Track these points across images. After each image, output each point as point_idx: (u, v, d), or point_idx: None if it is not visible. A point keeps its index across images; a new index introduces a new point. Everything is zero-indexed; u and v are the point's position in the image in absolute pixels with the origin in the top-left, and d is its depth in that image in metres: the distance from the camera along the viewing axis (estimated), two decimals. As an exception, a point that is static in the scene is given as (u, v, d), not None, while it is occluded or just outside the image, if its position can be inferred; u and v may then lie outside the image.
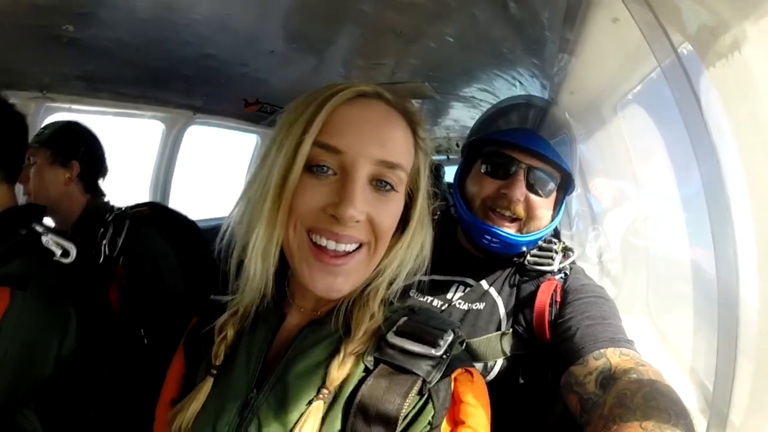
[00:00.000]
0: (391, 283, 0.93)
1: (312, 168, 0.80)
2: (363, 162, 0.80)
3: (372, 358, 0.85)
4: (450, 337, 0.87)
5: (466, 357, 0.93)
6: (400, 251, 0.91)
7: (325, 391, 0.81)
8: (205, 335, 0.97)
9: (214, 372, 0.91)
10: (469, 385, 0.86)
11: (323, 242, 0.80)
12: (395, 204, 0.86)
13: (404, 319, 0.91)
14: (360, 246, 0.83)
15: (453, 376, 0.85)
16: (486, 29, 2.01)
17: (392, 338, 0.86)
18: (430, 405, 0.81)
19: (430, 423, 0.80)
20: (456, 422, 0.82)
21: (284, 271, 0.96)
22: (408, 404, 0.79)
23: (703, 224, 1.19)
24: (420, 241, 0.94)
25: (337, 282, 0.82)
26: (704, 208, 1.15)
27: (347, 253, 0.82)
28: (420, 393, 0.81)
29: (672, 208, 1.93)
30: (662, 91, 1.53)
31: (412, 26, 2.10)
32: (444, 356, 0.84)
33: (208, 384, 0.90)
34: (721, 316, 1.05)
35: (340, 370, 0.83)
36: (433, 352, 0.84)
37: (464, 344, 0.98)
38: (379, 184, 0.83)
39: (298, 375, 0.85)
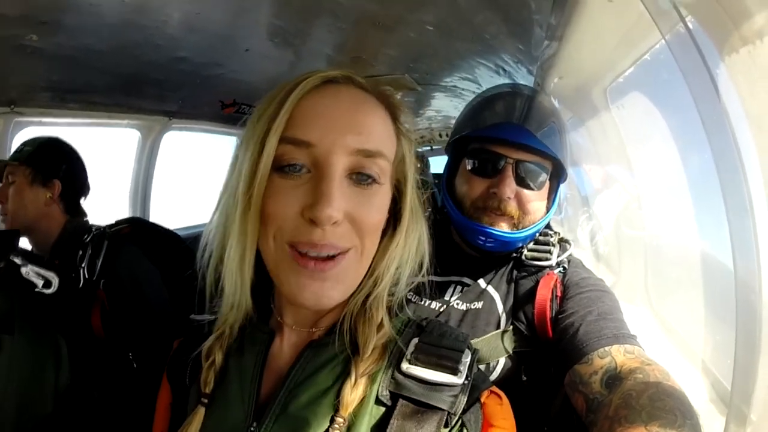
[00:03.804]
0: (392, 290, 0.86)
1: (283, 168, 0.71)
2: (338, 153, 0.71)
3: (388, 393, 0.77)
4: (468, 359, 0.80)
5: (486, 375, 0.87)
6: (397, 250, 0.82)
7: (339, 419, 0.74)
8: (191, 360, 0.89)
9: (205, 401, 0.82)
10: (498, 407, 0.80)
11: (304, 250, 0.71)
12: (380, 198, 0.77)
13: (415, 341, 0.83)
14: (347, 250, 0.74)
15: (482, 400, 0.79)
16: (468, 15, 1.97)
17: (408, 368, 0.79)
18: None
19: None
20: None
21: (267, 285, 0.87)
22: None
23: (709, 207, 1.15)
24: (416, 236, 0.85)
25: (326, 288, 0.73)
26: (711, 190, 1.11)
27: (332, 257, 0.73)
28: (446, 425, 0.75)
29: (670, 192, 1.91)
30: (657, 72, 1.50)
31: (391, 16, 2.05)
32: (466, 382, 0.78)
33: (200, 414, 0.82)
34: (739, 308, 1.02)
35: (353, 394, 0.75)
36: (455, 380, 0.77)
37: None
38: (360, 177, 0.73)
39: (303, 406, 0.77)
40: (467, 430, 0.75)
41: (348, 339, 0.81)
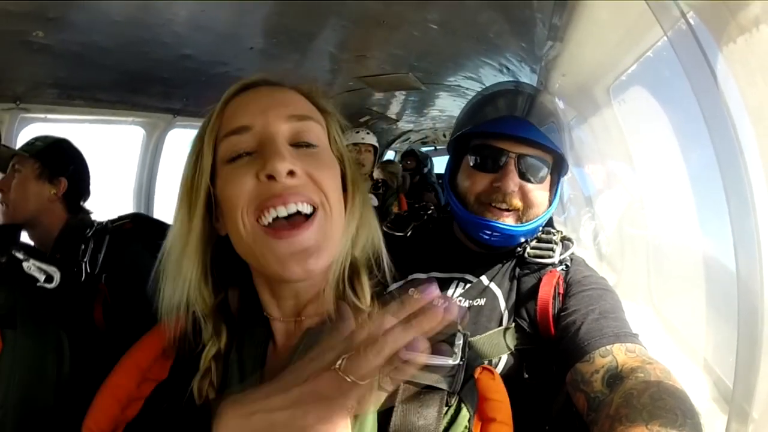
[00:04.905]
0: (371, 271, 0.88)
1: (233, 159, 0.78)
2: (275, 123, 0.78)
3: (388, 379, 0.80)
4: (461, 341, 0.82)
5: (477, 354, 0.90)
6: (352, 218, 0.86)
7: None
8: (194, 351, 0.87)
9: None
10: (492, 382, 0.84)
11: (273, 214, 0.74)
12: (326, 157, 0.83)
13: None
14: (314, 211, 0.77)
15: (476, 376, 0.83)
16: (472, 14, 1.97)
17: (405, 354, 0.81)
18: (464, 410, 0.78)
19: (467, 428, 0.77)
20: (485, 419, 0.80)
21: (251, 290, 0.88)
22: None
23: (711, 206, 1.15)
24: (363, 212, 0.88)
25: (309, 254, 0.74)
26: (713, 189, 1.11)
27: (305, 218, 0.76)
28: (447, 404, 0.78)
29: (674, 191, 1.91)
30: (660, 69, 1.49)
31: (394, 14, 2.06)
32: (461, 362, 0.80)
33: None
34: (741, 307, 1.02)
35: None
36: (450, 362, 0.79)
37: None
38: (301, 143, 0.80)
39: None
40: (465, 405, 0.78)
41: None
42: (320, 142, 0.82)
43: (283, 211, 0.74)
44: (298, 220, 0.75)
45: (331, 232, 0.79)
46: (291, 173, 0.74)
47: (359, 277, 0.86)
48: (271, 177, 0.73)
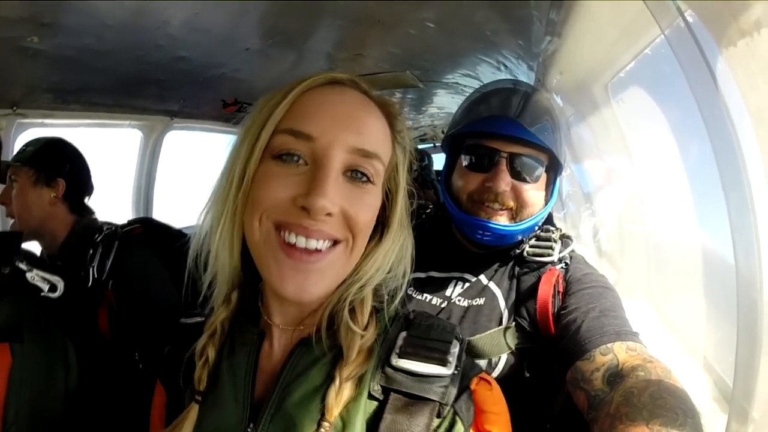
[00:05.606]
0: (377, 291, 0.86)
1: (281, 156, 0.73)
2: (337, 149, 0.73)
3: (379, 387, 0.78)
4: (456, 349, 0.81)
5: (474, 363, 0.88)
6: (385, 256, 0.84)
7: (326, 424, 0.74)
8: (184, 361, 0.90)
9: (199, 398, 0.83)
10: (488, 393, 0.81)
11: (292, 239, 0.72)
12: (372, 197, 0.79)
13: (403, 335, 0.84)
14: (335, 243, 0.75)
15: (472, 387, 0.80)
16: (468, 12, 1.97)
17: (397, 362, 0.79)
18: (459, 423, 0.76)
19: None
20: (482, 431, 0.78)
21: (254, 286, 0.89)
22: None
23: (711, 203, 1.15)
24: (399, 244, 0.86)
25: (309, 282, 0.74)
26: (713, 185, 1.11)
27: (320, 250, 0.74)
28: (439, 415, 0.76)
29: (673, 188, 1.91)
30: (658, 66, 1.49)
31: (391, 13, 2.05)
32: (455, 372, 0.79)
33: (194, 412, 0.82)
34: (740, 306, 1.02)
35: (338, 399, 0.75)
36: (444, 371, 0.78)
37: (467, 345, 0.92)
38: (354, 174, 0.75)
39: (297, 404, 0.77)
40: (459, 418, 0.76)
41: (330, 343, 0.81)
42: (373, 179, 0.78)
43: (302, 242, 0.72)
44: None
45: (341, 267, 0.78)
46: (328, 214, 0.72)
47: (363, 304, 0.84)
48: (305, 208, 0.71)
